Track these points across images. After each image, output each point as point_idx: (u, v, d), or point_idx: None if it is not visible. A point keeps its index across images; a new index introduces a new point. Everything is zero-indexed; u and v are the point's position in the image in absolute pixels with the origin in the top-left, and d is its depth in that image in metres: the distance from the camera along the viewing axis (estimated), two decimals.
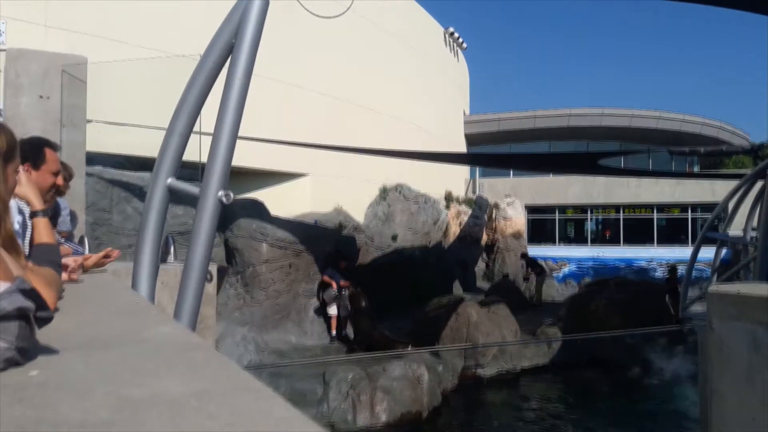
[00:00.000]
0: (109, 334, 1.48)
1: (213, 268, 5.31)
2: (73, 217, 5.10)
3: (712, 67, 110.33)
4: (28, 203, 2.28)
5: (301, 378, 9.57)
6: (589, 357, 12.65)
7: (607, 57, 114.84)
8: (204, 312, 4.91)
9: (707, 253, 12.06)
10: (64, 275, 2.45)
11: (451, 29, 27.06)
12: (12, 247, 1.45)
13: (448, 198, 23.91)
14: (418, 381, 9.81)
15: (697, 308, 11.35)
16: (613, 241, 31.87)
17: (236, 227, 12.30)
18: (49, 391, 0.95)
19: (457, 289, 19.29)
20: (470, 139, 31.27)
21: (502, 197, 26.49)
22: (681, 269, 15.70)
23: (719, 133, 31.88)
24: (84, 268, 3.04)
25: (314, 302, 13.09)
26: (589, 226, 33.75)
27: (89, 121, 7.00)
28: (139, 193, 10.12)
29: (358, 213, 17.63)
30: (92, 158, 8.46)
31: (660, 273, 27.54)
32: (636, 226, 31.52)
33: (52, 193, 3.09)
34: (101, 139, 8.18)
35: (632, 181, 29.81)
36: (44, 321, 1.13)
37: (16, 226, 2.19)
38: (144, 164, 9.99)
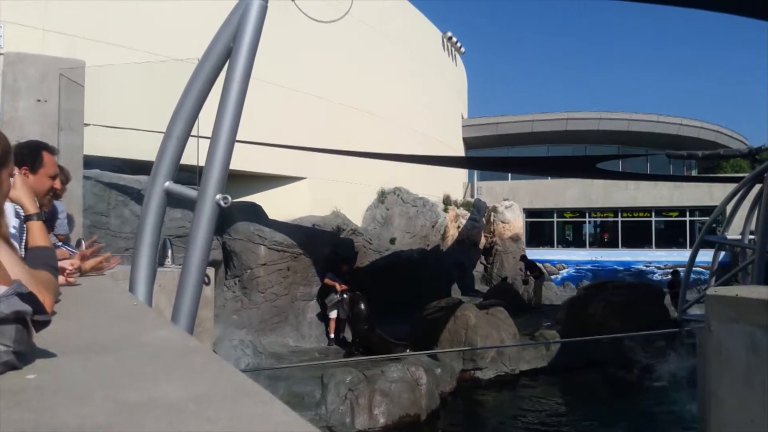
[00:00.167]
0: (107, 338, 1.47)
1: (211, 272, 5.30)
2: (70, 220, 5.09)
3: (710, 70, 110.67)
4: (22, 207, 2.27)
5: (299, 381, 9.55)
6: (588, 360, 12.64)
7: (605, 61, 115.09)
8: (201, 315, 4.90)
9: (705, 256, 12.07)
10: (62, 278, 2.45)
11: (449, 33, 27.14)
12: (8, 250, 1.45)
13: (447, 201, 23.95)
14: (417, 384, 9.80)
15: (696, 311, 11.35)
16: (612, 244, 31.92)
17: (234, 230, 12.29)
18: (46, 395, 0.95)
19: (456, 291, 19.27)
20: (468, 142, 31.32)
21: (500, 200, 26.53)
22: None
23: (717, 136, 31.97)
24: (81, 271, 3.03)
25: (313, 305, 13.08)
26: (588, 229, 33.80)
27: (87, 125, 6.99)
28: (137, 196, 10.11)
29: (356, 216, 17.64)
30: (90, 161, 8.46)
31: (658, 276, 27.58)
32: (634, 229, 31.56)
33: (50, 197, 3.09)
34: (99, 143, 8.17)
35: (630, 185, 29.87)
36: (42, 324, 1.13)
37: (13, 230, 2.19)
38: (142, 167, 9.98)
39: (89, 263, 3.17)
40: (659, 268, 28.57)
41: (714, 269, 11.71)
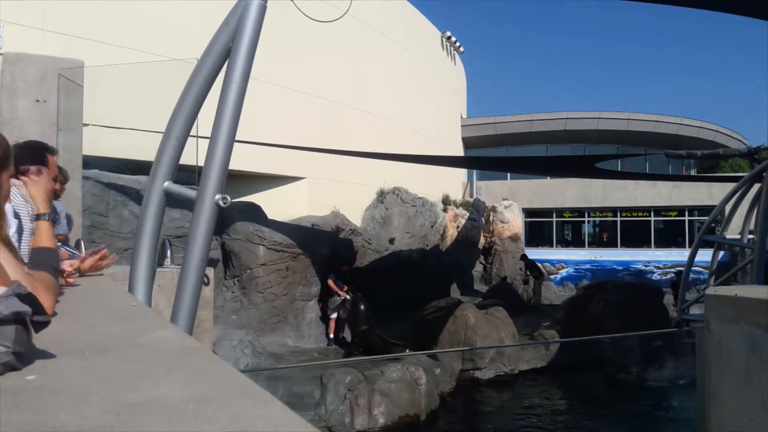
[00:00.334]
0: (107, 339, 1.47)
1: (210, 272, 5.30)
2: (69, 220, 5.09)
3: (710, 70, 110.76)
4: (35, 205, 2.30)
5: (298, 381, 9.55)
6: (587, 359, 12.64)
7: (604, 60, 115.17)
8: (201, 315, 4.90)
9: (705, 255, 12.08)
10: (61, 279, 2.45)
11: (449, 33, 27.13)
12: (9, 249, 1.45)
13: (446, 201, 23.95)
14: (416, 384, 9.80)
15: (696, 311, 11.35)
16: (611, 243, 31.90)
17: (233, 230, 12.29)
18: (46, 396, 0.95)
19: (455, 291, 19.28)
20: (467, 142, 31.32)
21: (499, 200, 26.53)
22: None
23: (716, 136, 31.97)
24: (80, 272, 3.03)
25: (312, 305, 13.07)
26: (587, 228, 33.79)
27: (86, 125, 6.99)
28: (136, 196, 10.11)
29: (355, 216, 17.64)
30: (89, 162, 8.45)
31: (657, 276, 27.59)
32: (633, 228, 31.54)
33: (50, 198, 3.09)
34: (98, 143, 8.17)
35: (629, 184, 29.86)
36: (41, 325, 1.13)
37: (13, 230, 2.19)
38: (141, 168, 9.98)
39: (88, 262, 3.17)
40: (658, 267, 28.57)
41: (713, 269, 11.70)
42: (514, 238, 24.77)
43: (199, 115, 4.10)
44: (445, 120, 27.55)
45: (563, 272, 28.93)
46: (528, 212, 30.58)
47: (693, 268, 11.23)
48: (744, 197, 11.12)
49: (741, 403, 3.01)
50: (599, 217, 32.89)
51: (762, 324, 2.86)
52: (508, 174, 30.79)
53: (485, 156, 29.84)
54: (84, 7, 10.75)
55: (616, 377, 12.33)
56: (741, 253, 13.09)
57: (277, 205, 14.51)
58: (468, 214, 24.29)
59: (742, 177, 12.04)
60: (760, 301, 2.94)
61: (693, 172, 35.86)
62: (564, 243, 32.98)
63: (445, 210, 22.72)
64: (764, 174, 10.00)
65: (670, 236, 31.35)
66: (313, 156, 14.47)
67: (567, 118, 31.20)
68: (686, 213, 30.86)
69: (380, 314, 12.57)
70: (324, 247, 13.62)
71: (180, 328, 2.94)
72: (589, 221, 33.37)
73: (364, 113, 18.53)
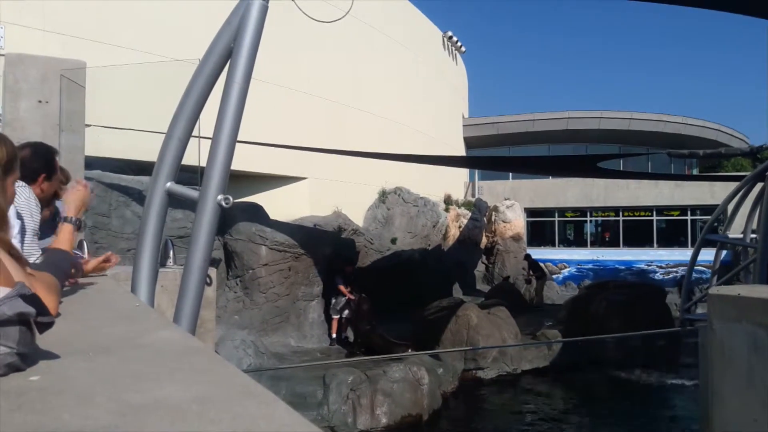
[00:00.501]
0: (110, 339, 1.47)
1: (213, 272, 5.30)
2: None
3: (712, 69, 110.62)
4: (66, 208, 2.48)
5: (301, 381, 9.56)
6: (590, 359, 12.63)
7: (605, 60, 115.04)
8: (203, 316, 4.90)
9: (707, 255, 12.05)
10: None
11: (450, 33, 27.12)
12: (12, 254, 1.45)
13: (448, 201, 23.93)
14: (419, 383, 9.80)
15: (699, 310, 11.33)
16: (613, 243, 31.86)
17: (235, 231, 12.30)
18: (49, 397, 0.95)
19: (457, 291, 19.28)
20: (469, 142, 31.30)
21: (501, 200, 26.51)
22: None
23: (718, 135, 31.91)
24: (83, 272, 3.03)
25: (314, 305, 13.08)
26: (589, 228, 33.75)
27: (88, 126, 6.99)
28: (138, 197, 10.12)
29: (357, 216, 17.64)
30: (91, 162, 8.46)
31: (660, 275, 27.55)
32: (635, 228, 31.50)
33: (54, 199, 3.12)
34: (100, 143, 8.18)
35: (631, 184, 29.82)
36: (45, 326, 1.13)
37: (15, 230, 2.19)
38: (143, 168, 10.00)
39: (91, 263, 3.17)
40: (661, 267, 28.53)
41: (716, 268, 11.67)
42: (516, 238, 24.76)
43: (201, 116, 4.10)
44: (446, 120, 27.53)
45: (565, 272, 28.90)
46: (530, 212, 30.56)
47: (696, 268, 11.20)
48: (746, 196, 11.09)
49: (743, 403, 3.01)
50: (601, 216, 32.84)
51: (765, 323, 2.86)
52: (510, 174, 30.77)
53: (487, 156, 29.81)
54: (84, 8, 10.77)
55: (619, 377, 12.31)
56: (744, 253, 13.05)
57: (278, 205, 14.52)
58: (470, 214, 24.28)
59: (744, 176, 12.02)
60: (763, 301, 2.94)
61: (695, 172, 35.82)
62: (566, 243, 32.95)
63: (447, 210, 22.71)
64: (767, 173, 9.98)
65: (672, 236, 31.30)
66: (314, 156, 14.48)
67: (569, 118, 31.16)
68: (689, 212, 30.81)
69: (382, 314, 12.58)
70: (326, 247, 13.63)
71: (183, 329, 2.94)
72: (591, 221, 33.33)
73: (365, 113, 18.53)
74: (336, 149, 14.14)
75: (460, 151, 29.56)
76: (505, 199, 26.42)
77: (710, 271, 12.40)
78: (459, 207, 24.34)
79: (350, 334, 12.87)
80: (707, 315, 3.45)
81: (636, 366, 12.52)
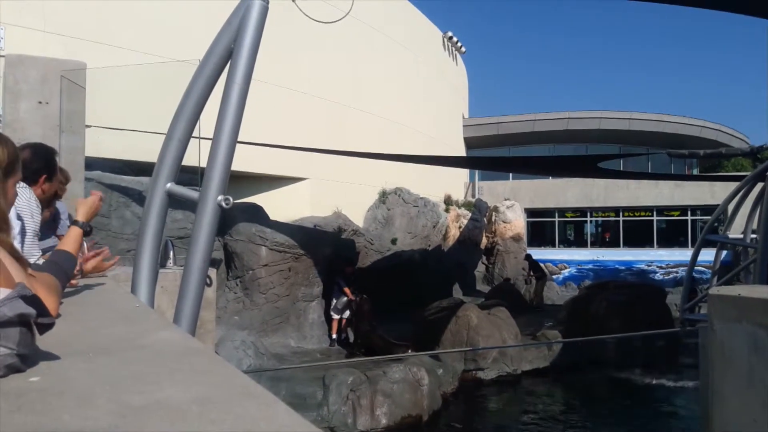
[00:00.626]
0: (110, 340, 1.47)
1: (213, 273, 5.30)
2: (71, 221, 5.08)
3: (712, 69, 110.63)
4: (77, 212, 2.51)
5: (300, 381, 9.56)
6: (590, 359, 12.63)
7: (605, 60, 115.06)
8: (203, 316, 4.91)
9: (707, 255, 12.06)
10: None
11: (450, 33, 27.12)
12: (13, 255, 1.45)
13: (448, 201, 23.93)
14: (419, 384, 9.80)
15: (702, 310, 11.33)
16: (613, 243, 31.86)
17: (235, 231, 12.29)
18: (50, 398, 0.95)
19: (457, 292, 19.27)
20: (469, 142, 31.30)
21: (501, 200, 26.51)
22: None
23: (718, 135, 31.91)
24: (83, 273, 3.03)
25: (314, 306, 13.08)
26: (589, 228, 33.75)
27: (88, 127, 6.99)
28: (138, 197, 10.12)
29: (357, 217, 17.64)
30: (91, 163, 8.46)
31: (660, 275, 27.55)
32: (635, 228, 31.49)
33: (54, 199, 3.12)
34: (100, 144, 8.18)
35: (631, 184, 29.82)
36: (45, 327, 1.13)
37: (15, 231, 2.19)
38: (143, 169, 10.00)
39: (91, 263, 3.17)
40: (661, 267, 28.54)
41: (716, 268, 11.67)
42: (516, 239, 24.75)
43: (202, 117, 4.10)
44: (446, 120, 27.54)
45: (566, 272, 28.90)
46: (530, 212, 30.57)
47: (696, 268, 11.20)
48: (747, 196, 11.10)
49: (744, 403, 3.01)
50: (601, 216, 32.84)
51: (765, 324, 2.86)
52: (510, 174, 30.77)
53: (487, 156, 29.82)
54: (85, 8, 10.77)
55: (619, 377, 12.31)
56: (744, 253, 13.05)
57: (278, 205, 14.52)
58: (470, 215, 24.27)
59: (744, 176, 12.02)
60: (763, 301, 2.94)
61: (695, 172, 35.82)
62: (566, 243, 32.95)
63: (447, 210, 22.71)
64: (767, 173, 9.98)
65: (672, 236, 31.30)
66: (314, 156, 14.48)
67: (569, 118, 31.17)
68: (689, 212, 30.81)
69: (382, 315, 12.57)
70: (326, 247, 13.63)
71: (183, 329, 2.94)
72: (591, 221, 33.33)
73: (365, 113, 18.53)
74: (336, 150, 14.14)
75: (460, 151, 29.55)
76: (506, 200, 26.42)
77: (710, 271, 12.41)
78: (459, 207, 24.33)
79: (350, 334, 12.87)
80: (707, 315, 3.45)
81: (636, 366, 12.52)
